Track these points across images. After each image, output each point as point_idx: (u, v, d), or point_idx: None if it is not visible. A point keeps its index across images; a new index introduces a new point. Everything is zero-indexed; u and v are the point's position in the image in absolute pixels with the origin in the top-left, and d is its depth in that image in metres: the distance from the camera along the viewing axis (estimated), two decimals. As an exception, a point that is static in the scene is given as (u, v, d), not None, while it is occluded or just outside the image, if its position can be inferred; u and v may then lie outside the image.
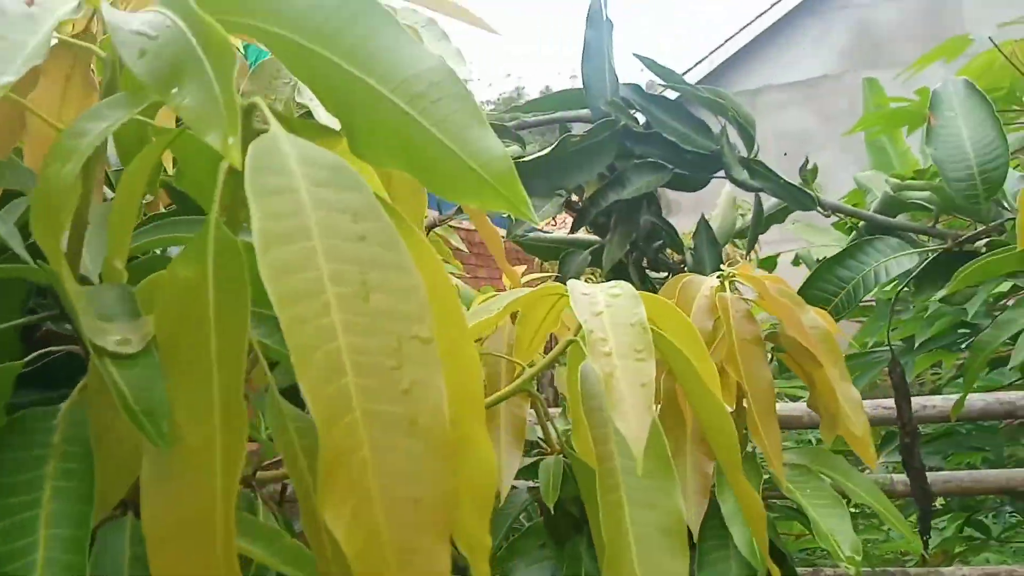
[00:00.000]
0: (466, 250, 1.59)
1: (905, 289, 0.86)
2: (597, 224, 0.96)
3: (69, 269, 0.28)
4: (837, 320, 0.76)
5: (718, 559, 0.64)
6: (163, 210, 0.47)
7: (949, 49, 1.29)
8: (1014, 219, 0.67)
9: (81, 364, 0.33)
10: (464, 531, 0.32)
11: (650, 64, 0.91)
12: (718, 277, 0.63)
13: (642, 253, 1.00)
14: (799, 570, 0.84)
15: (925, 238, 0.86)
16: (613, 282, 0.42)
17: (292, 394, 0.27)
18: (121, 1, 0.39)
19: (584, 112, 0.91)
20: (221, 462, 0.25)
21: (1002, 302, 1.07)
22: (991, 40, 1.17)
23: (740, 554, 0.61)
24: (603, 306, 0.40)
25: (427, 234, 1.31)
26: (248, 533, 0.34)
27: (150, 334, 0.27)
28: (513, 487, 0.81)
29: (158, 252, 0.43)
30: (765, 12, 5.72)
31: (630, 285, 0.42)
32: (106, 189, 0.44)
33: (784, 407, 0.91)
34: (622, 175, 0.87)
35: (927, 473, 0.89)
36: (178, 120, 0.37)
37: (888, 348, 0.91)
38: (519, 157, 0.89)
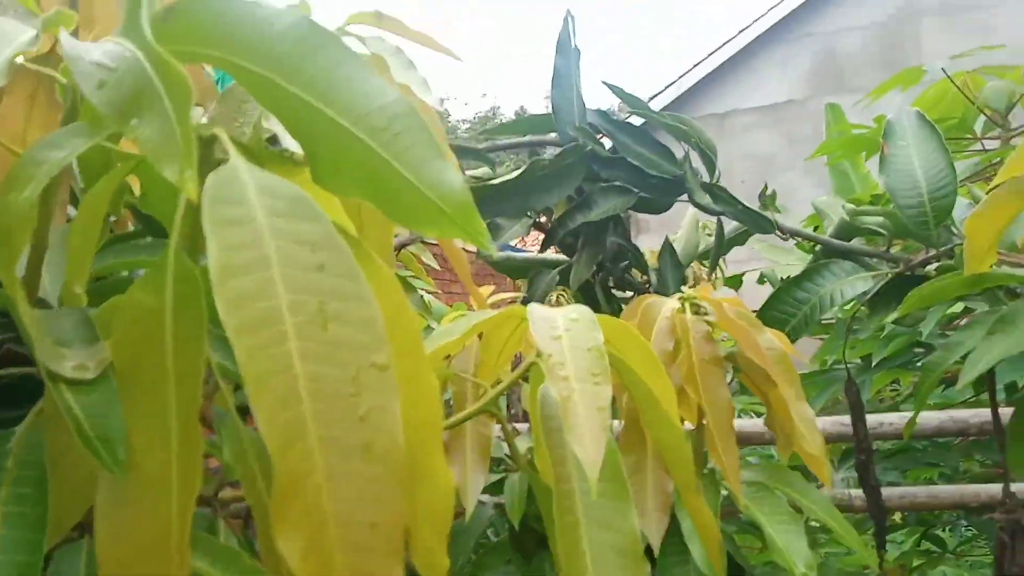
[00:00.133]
0: (439, 267, 1.60)
1: (861, 310, 0.89)
2: (565, 244, 0.98)
3: (24, 294, 0.28)
4: (794, 341, 0.78)
5: (679, 575, 0.65)
6: (131, 228, 0.47)
7: (904, 79, 1.34)
8: (962, 244, 0.70)
9: (42, 385, 0.33)
10: (422, 552, 0.32)
11: (617, 91, 0.94)
12: (679, 299, 0.64)
13: (608, 273, 1.01)
14: (760, 585, 0.85)
15: (879, 262, 0.89)
16: (573, 307, 0.43)
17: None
18: (85, 27, 0.39)
19: (553, 136, 0.93)
20: (177, 488, 0.25)
21: (955, 323, 1.10)
22: (944, 71, 1.21)
23: (700, 569, 0.63)
24: (562, 330, 0.41)
25: (399, 252, 1.31)
26: (207, 553, 0.34)
27: (107, 360, 0.27)
28: (480, 502, 0.81)
29: (125, 274, 0.43)
30: (733, 38, 5.85)
31: (589, 309, 0.43)
32: (71, 209, 0.44)
33: (747, 423, 0.93)
34: (589, 198, 0.88)
35: (886, 488, 0.92)
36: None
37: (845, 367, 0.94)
38: (490, 179, 0.90)
